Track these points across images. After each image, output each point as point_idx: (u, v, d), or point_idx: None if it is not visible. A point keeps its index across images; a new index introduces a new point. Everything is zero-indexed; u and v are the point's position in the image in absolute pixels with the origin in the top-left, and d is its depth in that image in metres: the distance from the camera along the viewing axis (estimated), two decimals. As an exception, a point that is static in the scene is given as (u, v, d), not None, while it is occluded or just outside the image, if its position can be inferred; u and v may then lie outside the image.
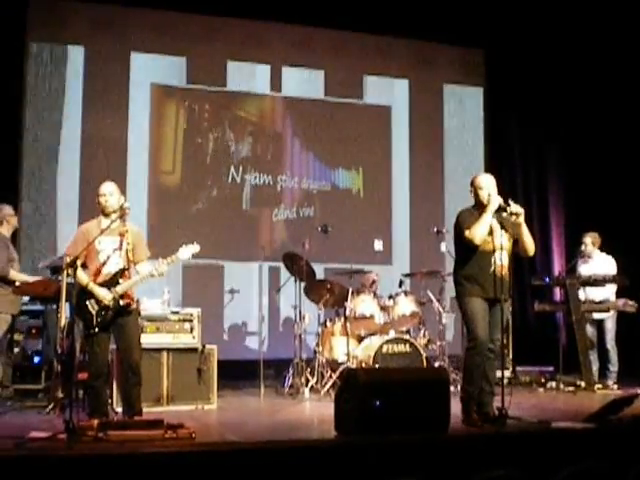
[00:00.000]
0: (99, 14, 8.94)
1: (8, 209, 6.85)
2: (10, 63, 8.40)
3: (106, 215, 5.39)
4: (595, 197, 9.74)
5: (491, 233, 5.29)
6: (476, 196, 5.43)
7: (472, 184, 5.48)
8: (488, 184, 5.41)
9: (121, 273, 5.35)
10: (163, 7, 9.09)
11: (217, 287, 9.20)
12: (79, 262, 5.10)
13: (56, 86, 8.84)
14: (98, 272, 5.33)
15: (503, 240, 5.30)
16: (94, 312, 5.25)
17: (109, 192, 5.40)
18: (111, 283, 5.31)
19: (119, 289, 5.29)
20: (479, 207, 5.40)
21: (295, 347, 7.53)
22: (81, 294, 5.26)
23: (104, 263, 5.33)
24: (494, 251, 5.26)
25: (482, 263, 5.29)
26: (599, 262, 8.11)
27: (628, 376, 7.93)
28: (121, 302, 5.28)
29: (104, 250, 5.34)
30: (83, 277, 5.27)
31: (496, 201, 5.28)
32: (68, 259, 5.14)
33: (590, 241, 8.10)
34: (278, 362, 8.29)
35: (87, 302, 5.26)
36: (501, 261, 5.26)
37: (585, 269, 8.15)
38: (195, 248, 5.47)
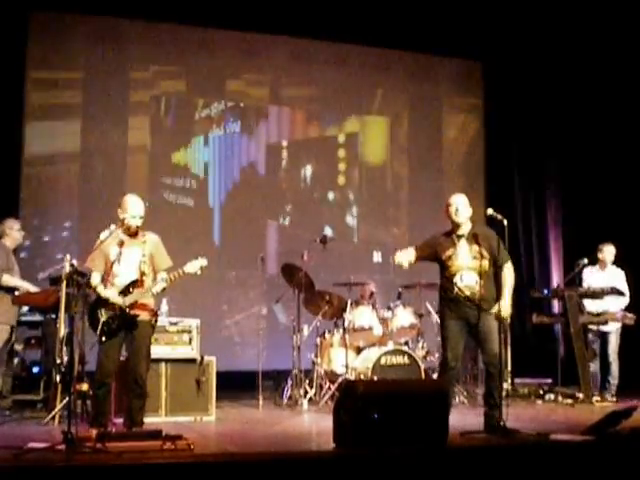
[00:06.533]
0: (98, 27, 8.97)
1: (10, 222, 6.88)
2: (10, 77, 8.42)
3: (123, 225, 5.41)
4: (593, 210, 9.76)
5: (451, 257, 5.44)
6: (449, 216, 5.52)
7: (446, 205, 5.56)
8: (457, 201, 5.50)
9: (134, 284, 5.35)
10: (162, 20, 9.12)
11: (216, 298, 9.21)
12: (96, 274, 5.30)
13: (56, 99, 8.88)
14: (111, 282, 5.36)
15: (466, 260, 5.41)
16: (102, 319, 5.28)
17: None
18: (123, 294, 5.33)
19: (128, 300, 5.31)
20: (451, 226, 5.57)
21: (294, 358, 7.53)
22: (94, 304, 5.33)
23: (115, 273, 5.36)
24: (456, 274, 5.42)
25: (448, 285, 5.49)
26: (612, 274, 8.12)
27: (627, 389, 7.93)
28: (131, 312, 5.30)
29: (118, 261, 5.35)
30: (96, 284, 5.34)
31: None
32: (68, 267, 5.23)
33: (611, 255, 8.11)
34: (277, 373, 8.29)
35: (98, 310, 5.31)
36: (462, 282, 5.39)
37: (599, 280, 8.13)
38: (202, 262, 5.46)
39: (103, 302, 5.32)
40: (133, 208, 5.38)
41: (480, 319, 5.37)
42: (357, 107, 10.11)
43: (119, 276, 5.36)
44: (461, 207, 5.47)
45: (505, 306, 5.40)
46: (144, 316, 5.37)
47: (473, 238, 5.45)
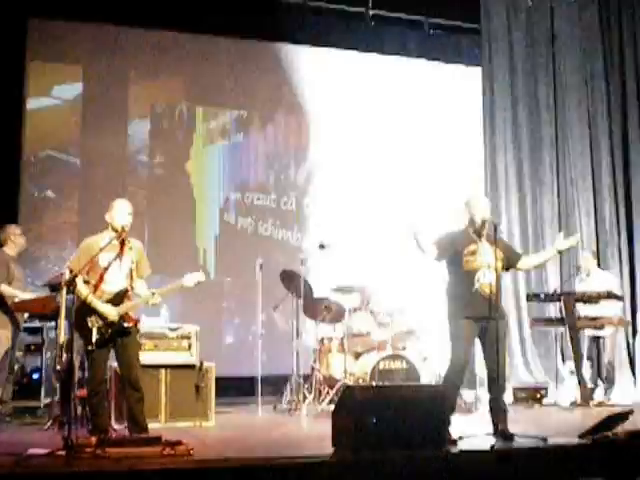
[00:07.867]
0: (98, 34, 9.00)
1: (12, 228, 6.89)
2: (10, 83, 8.45)
3: (115, 231, 5.40)
4: (591, 211, 9.79)
5: (474, 253, 5.37)
6: (471, 215, 5.49)
7: (467, 205, 5.55)
8: (481, 201, 5.54)
9: (124, 293, 5.36)
10: (162, 28, 9.16)
11: (215, 304, 9.22)
12: (79, 278, 5.15)
13: (55, 106, 8.91)
14: (100, 289, 5.32)
15: (489, 258, 5.35)
16: (94, 329, 5.24)
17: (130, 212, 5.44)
18: (114, 303, 5.30)
19: (121, 309, 5.30)
20: (469, 226, 5.48)
21: (293, 364, 7.55)
22: (81, 310, 5.25)
23: (107, 281, 5.33)
24: (477, 270, 5.34)
25: (466, 282, 5.36)
26: (599, 279, 8.15)
27: (623, 392, 7.97)
28: (125, 324, 5.29)
29: (107, 267, 5.33)
30: (84, 291, 5.25)
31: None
32: (67, 274, 5.20)
33: (587, 261, 8.16)
34: (276, 379, 8.29)
35: (87, 318, 5.24)
36: (484, 279, 5.32)
37: (584, 286, 8.17)
38: (200, 277, 5.45)
39: (92, 310, 5.25)
40: (120, 206, 5.40)
41: (494, 322, 5.26)
42: (354, 111, 10.15)
43: (109, 284, 5.33)
44: (485, 207, 5.48)
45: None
46: (131, 323, 5.38)
47: (491, 238, 5.40)
